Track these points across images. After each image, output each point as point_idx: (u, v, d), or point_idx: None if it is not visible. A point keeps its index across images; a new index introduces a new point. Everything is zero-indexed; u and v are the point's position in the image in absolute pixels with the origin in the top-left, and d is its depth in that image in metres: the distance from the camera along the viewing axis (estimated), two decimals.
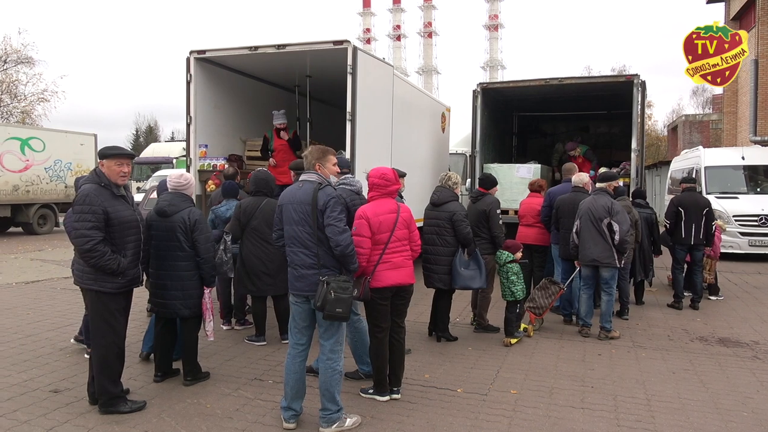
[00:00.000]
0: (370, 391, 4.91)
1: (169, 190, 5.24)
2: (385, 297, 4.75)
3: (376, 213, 4.65)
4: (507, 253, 6.71)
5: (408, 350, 5.48)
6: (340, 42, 7.82)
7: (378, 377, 4.87)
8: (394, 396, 4.88)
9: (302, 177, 4.40)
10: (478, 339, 6.80)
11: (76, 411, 4.60)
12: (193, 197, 5.45)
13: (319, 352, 4.37)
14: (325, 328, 4.28)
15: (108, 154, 4.54)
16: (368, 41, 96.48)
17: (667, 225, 8.66)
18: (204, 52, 8.61)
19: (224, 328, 7.10)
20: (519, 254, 6.78)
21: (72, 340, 6.36)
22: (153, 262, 5.11)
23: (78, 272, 4.57)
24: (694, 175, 15.27)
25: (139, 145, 63.00)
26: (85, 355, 5.96)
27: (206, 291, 5.26)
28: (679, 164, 18.23)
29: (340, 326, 4.31)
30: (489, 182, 7.27)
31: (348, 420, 4.32)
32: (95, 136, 20.90)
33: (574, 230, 6.99)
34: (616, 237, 6.73)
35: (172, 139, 54.33)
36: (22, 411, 4.60)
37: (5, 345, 6.39)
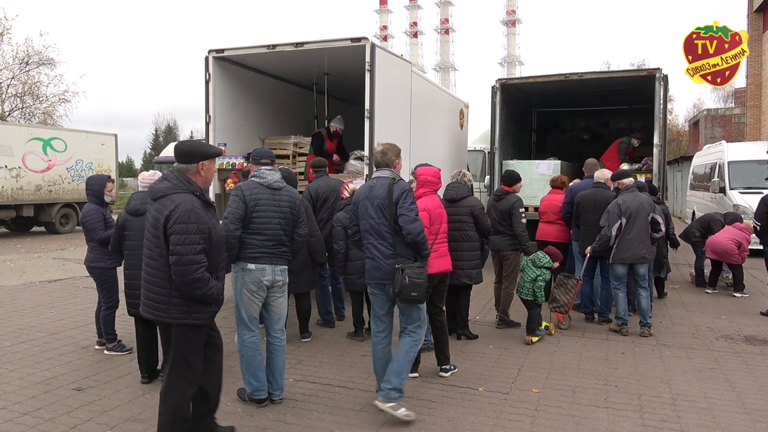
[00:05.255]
0: None
1: (140, 190, 5.31)
2: (432, 283, 5.16)
3: (434, 207, 5.20)
4: (548, 258, 6.64)
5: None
6: (358, 39, 7.79)
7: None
8: (442, 374, 5.38)
9: (376, 174, 4.72)
10: (499, 337, 6.75)
11: (99, 409, 4.63)
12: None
13: (401, 334, 4.65)
14: (405, 314, 4.60)
15: (210, 152, 3.79)
16: (385, 38, 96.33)
17: (758, 227, 8.29)
18: (222, 51, 8.64)
19: None
20: (557, 264, 6.76)
21: (96, 346, 6.28)
22: (127, 262, 5.18)
23: (160, 303, 3.63)
24: (717, 170, 15.05)
25: (158, 144, 63.63)
26: (105, 352, 6.07)
27: None
28: (702, 159, 17.97)
29: (419, 311, 4.61)
30: (511, 179, 7.20)
31: (402, 409, 4.41)
32: (115, 136, 21.15)
33: (613, 232, 6.80)
34: (663, 229, 6.96)
35: (191, 138, 54.74)
36: (46, 409, 4.64)
37: (29, 343, 6.46)
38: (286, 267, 4.82)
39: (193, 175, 3.70)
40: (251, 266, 4.56)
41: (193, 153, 3.70)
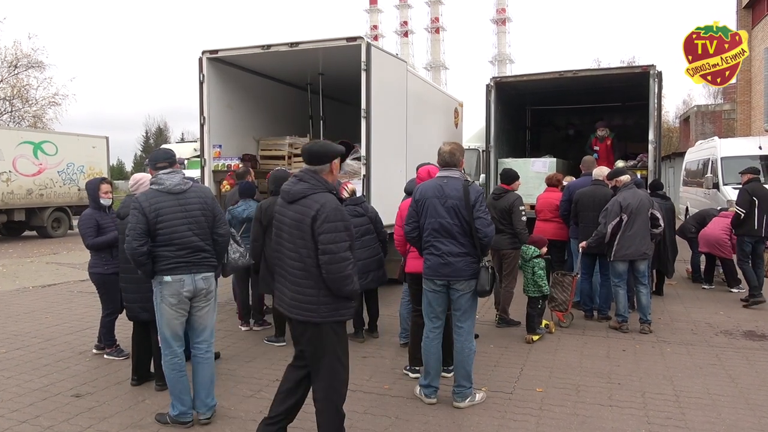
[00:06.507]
0: (407, 367, 5.51)
1: (131, 192, 5.32)
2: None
3: None
4: (533, 248, 6.64)
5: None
6: (354, 39, 7.75)
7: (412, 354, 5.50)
8: (445, 374, 5.30)
9: (444, 173, 4.73)
10: (499, 336, 6.73)
11: (99, 416, 4.57)
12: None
13: (455, 334, 4.74)
14: (463, 312, 4.67)
15: (339, 150, 3.76)
16: (376, 38, 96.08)
17: (742, 214, 8.25)
18: (216, 51, 8.58)
19: (243, 329, 7.07)
20: (545, 249, 6.73)
21: (94, 350, 6.21)
22: (120, 265, 5.21)
23: (309, 304, 3.58)
24: (710, 166, 15.10)
25: (149, 146, 63.34)
26: (105, 356, 6.02)
27: None
28: (695, 155, 18.02)
29: (475, 310, 4.73)
30: (510, 177, 7.14)
31: (477, 395, 4.78)
32: (107, 138, 20.96)
33: (609, 229, 6.79)
34: (662, 225, 6.95)
35: (182, 140, 54.47)
36: (45, 416, 4.57)
37: (25, 349, 6.38)
38: (212, 273, 4.44)
39: (326, 174, 3.68)
40: (168, 278, 4.25)
41: (328, 153, 3.68)
